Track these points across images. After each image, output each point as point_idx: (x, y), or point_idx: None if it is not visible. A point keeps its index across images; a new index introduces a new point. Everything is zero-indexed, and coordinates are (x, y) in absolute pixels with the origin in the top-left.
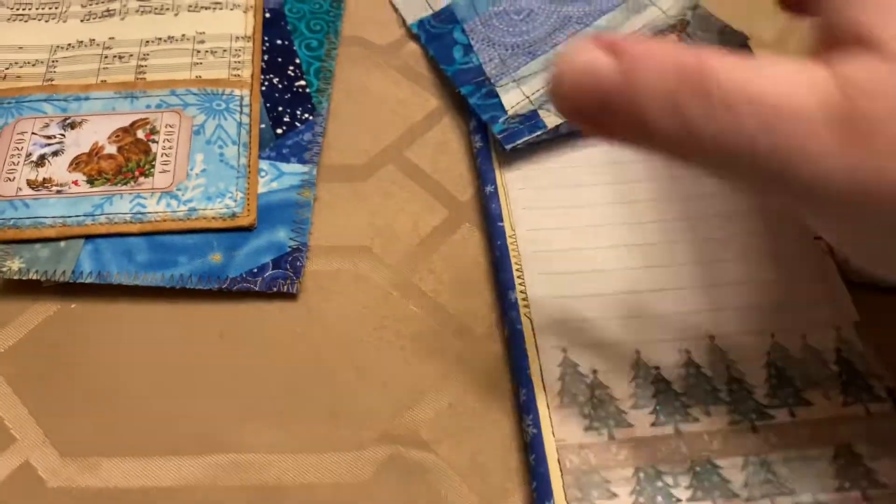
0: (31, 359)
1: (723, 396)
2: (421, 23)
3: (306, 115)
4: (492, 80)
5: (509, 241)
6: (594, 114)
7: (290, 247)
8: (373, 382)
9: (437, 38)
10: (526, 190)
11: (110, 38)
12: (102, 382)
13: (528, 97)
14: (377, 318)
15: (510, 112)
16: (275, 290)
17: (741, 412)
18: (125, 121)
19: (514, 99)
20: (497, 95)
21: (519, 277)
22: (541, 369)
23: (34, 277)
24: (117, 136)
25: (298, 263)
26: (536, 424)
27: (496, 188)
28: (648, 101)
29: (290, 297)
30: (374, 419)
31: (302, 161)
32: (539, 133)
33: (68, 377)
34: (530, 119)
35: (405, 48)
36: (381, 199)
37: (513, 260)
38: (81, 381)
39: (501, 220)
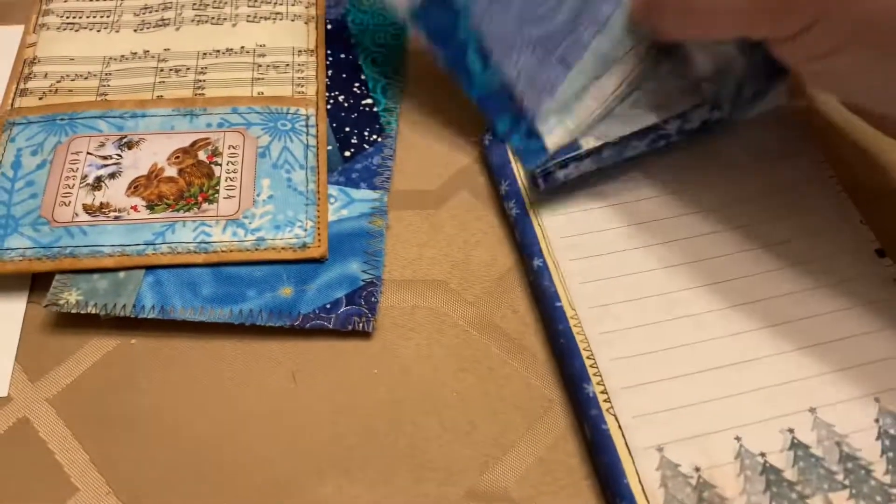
0: (90, 399)
1: (839, 479)
2: (416, 14)
3: (375, 137)
4: (527, 110)
5: (572, 323)
6: None
7: (363, 280)
8: (457, 432)
9: (442, 37)
10: (579, 261)
11: (165, 50)
12: (166, 426)
13: (571, 130)
14: (458, 359)
15: (551, 150)
16: (350, 328)
17: (864, 495)
18: (185, 141)
19: (558, 139)
20: (538, 134)
21: (592, 366)
22: (639, 478)
23: (92, 311)
24: (177, 157)
25: (373, 299)
26: None
27: (545, 262)
28: None
29: (364, 335)
30: (460, 474)
31: (372, 187)
32: (577, 157)
33: (130, 420)
34: (569, 149)
35: None
36: (455, 229)
37: (580, 346)
38: (144, 424)
39: (559, 300)
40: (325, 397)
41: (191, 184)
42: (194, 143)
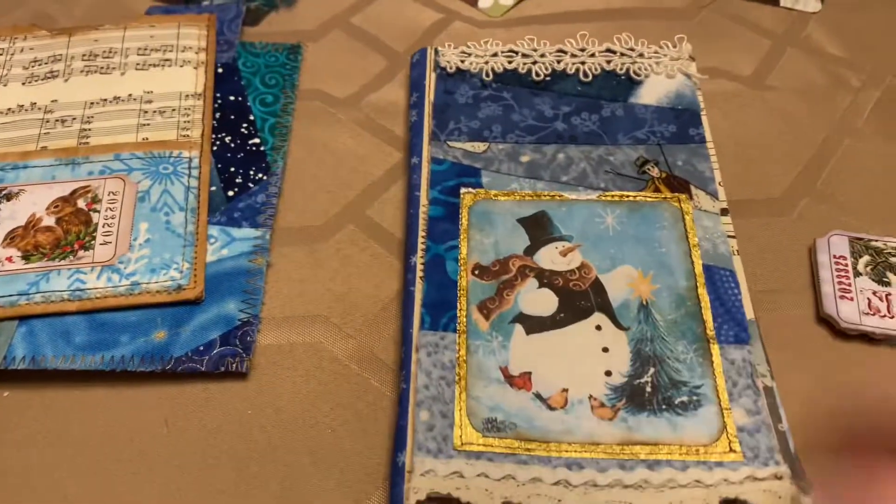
0: None
1: None
2: None
3: (260, 175)
4: None
5: (421, 210)
6: None
7: (240, 320)
8: (330, 470)
9: None
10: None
11: (53, 101)
12: (37, 480)
13: None
14: (335, 395)
15: None
16: (223, 369)
17: None
18: (65, 190)
19: None
20: None
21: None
22: None
23: None
24: (56, 206)
25: (249, 338)
26: None
27: (420, 160)
28: None
29: (240, 375)
30: None
31: (255, 225)
32: None
33: (0, 475)
34: None
35: (366, 99)
36: (340, 263)
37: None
38: (14, 478)
39: (418, 190)
40: (197, 442)
41: (68, 232)
42: (74, 191)
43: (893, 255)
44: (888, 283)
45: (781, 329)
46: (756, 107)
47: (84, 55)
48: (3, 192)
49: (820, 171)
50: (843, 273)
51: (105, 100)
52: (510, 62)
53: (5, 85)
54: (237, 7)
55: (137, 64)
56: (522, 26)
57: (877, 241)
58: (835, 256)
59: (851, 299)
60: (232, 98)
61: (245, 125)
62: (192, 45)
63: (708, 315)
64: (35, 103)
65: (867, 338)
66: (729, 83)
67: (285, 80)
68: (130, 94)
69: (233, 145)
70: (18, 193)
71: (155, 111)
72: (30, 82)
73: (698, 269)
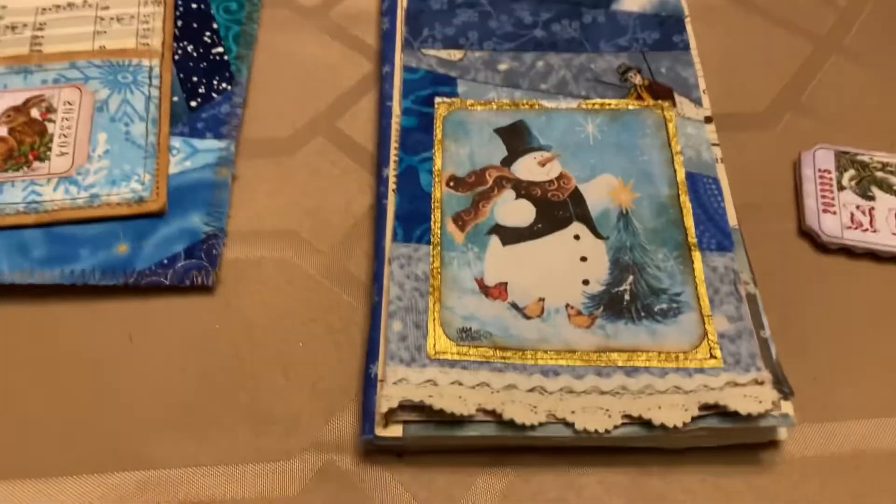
0: None
1: None
2: None
3: (224, 85)
4: None
5: (394, 120)
6: None
7: (205, 233)
8: (302, 384)
9: None
10: None
11: (2, 7)
12: None
13: None
14: (307, 310)
15: None
16: (188, 282)
17: None
18: (17, 99)
19: None
20: None
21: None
22: None
23: None
24: (8, 116)
25: (214, 252)
26: None
27: (393, 69)
28: None
29: (207, 290)
30: (303, 425)
31: (219, 136)
32: None
33: None
34: None
35: (336, 8)
36: (309, 176)
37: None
38: None
39: (391, 100)
40: (163, 356)
41: (21, 142)
42: (27, 101)
43: (879, 170)
44: (872, 198)
45: (763, 241)
46: (742, 20)
47: None
48: None
49: (805, 86)
50: (826, 187)
51: (58, 6)
52: None
53: None
54: None
55: None
56: None
57: (863, 154)
58: (819, 170)
59: (834, 213)
60: (194, 5)
61: (208, 33)
62: None
63: (690, 222)
64: None
65: (849, 251)
66: None
67: None
68: (86, 1)
69: (195, 54)
70: None
71: (112, 18)
72: None
73: (681, 176)
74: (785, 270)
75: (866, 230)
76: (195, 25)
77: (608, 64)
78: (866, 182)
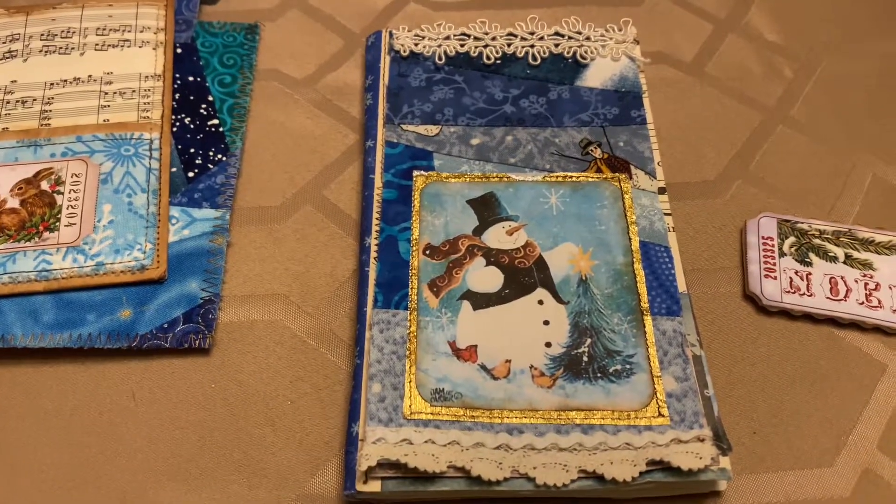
0: None
1: None
2: None
3: (219, 156)
4: None
5: (376, 192)
6: None
7: (202, 298)
8: (290, 439)
9: None
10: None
11: (12, 82)
12: (11, 453)
13: None
14: (294, 369)
15: None
16: (186, 345)
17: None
18: (28, 172)
19: None
20: None
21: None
22: None
23: None
24: (20, 188)
25: (210, 316)
26: None
27: (375, 143)
28: None
29: (204, 351)
30: (292, 479)
31: (215, 206)
32: None
33: None
34: None
35: (322, 81)
36: (298, 242)
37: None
38: None
39: (373, 173)
40: (163, 413)
41: (33, 214)
42: (38, 173)
43: (816, 237)
44: (809, 263)
45: (710, 304)
46: (695, 92)
47: (42, 34)
48: None
49: (753, 155)
50: (769, 253)
51: (65, 80)
52: (462, 45)
53: None
54: None
55: (96, 44)
56: (476, 10)
57: (802, 223)
58: (763, 237)
59: (775, 278)
60: (191, 78)
61: (204, 106)
62: (151, 25)
63: (643, 288)
64: None
65: (788, 314)
66: (670, 69)
67: (243, 61)
68: (90, 76)
69: (192, 126)
70: None
71: (115, 92)
72: None
73: (635, 245)
74: (729, 331)
75: (803, 294)
76: (192, 98)
77: (571, 138)
78: (804, 249)
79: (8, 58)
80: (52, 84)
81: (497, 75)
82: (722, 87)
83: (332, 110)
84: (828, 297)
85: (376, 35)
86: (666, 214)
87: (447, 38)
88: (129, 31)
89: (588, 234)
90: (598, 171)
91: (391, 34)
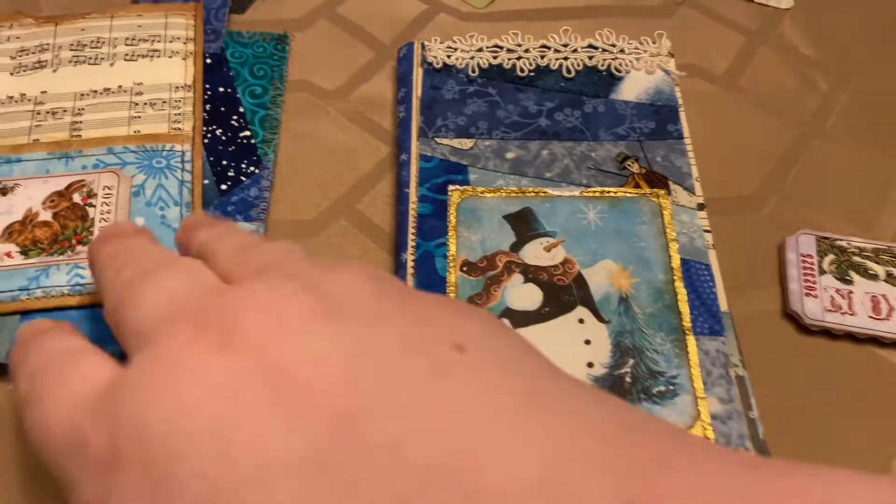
0: None
1: None
2: None
3: (252, 168)
4: None
5: (411, 207)
6: None
7: None
8: None
9: None
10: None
11: (42, 93)
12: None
13: None
14: None
15: None
16: None
17: None
18: (60, 184)
19: None
20: None
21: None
22: None
23: None
24: (52, 200)
25: None
26: None
27: (409, 156)
28: None
29: None
30: None
31: (249, 219)
32: None
33: (21, 466)
34: None
35: (354, 92)
36: (332, 257)
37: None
38: (17, 466)
39: (408, 187)
40: None
41: (65, 227)
42: (69, 185)
43: (856, 255)
44: (850, 282)
45: (750, 323)
46: (729, 106)
47: (72, 45)
48: None
49: (789, 171)
50: (809, 271)
51: (95, 91)
52: (495, 57)
53: None
54: None
55: (126, 54)
56: (506, 21)
57: (841, 240)
58: (802, 255)
59: (816, 297)
60: (221, 89)
61: (235, 117)
62: (181, 35)
63: (685, 308)
64: (24, 94)
65: (829, 333)
66: (703, 82)
67: (273, 71)
68: (120, 86)
69: (224, 138)
70: (14, 188)
71: (146, 103)
72: (18, 72)
73: (675, 263)
74: (770, 351)
75: (845, 313)
76: (223, 109)
77: (608, 152)
78: (844, 266)
79: (37, 68)
80: (82, 95)
81: (531, 88)
82: (756, 101)
83: (363, 122)
84: (870, 317)
85: (408, 46)
86: (706, 231)
87: (480, 49)
88: (158, 42)
89: (628, 252)
90: (636, 186)
91: (423, 45)
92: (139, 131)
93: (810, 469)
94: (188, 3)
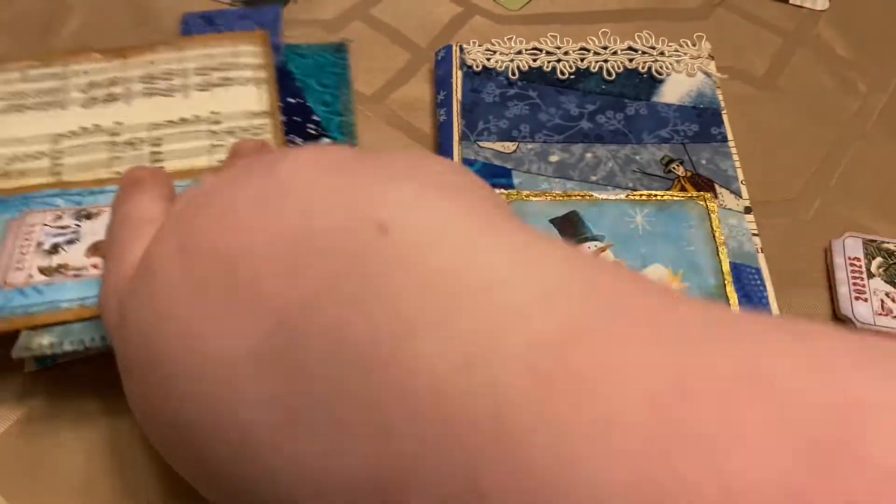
0: None
1: None
2: None
3: None
4: None
5: None
6: None
7: None
8: None
9: None
10: None
11: (117, 124)
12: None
13: None
14: None
15: None
16: None
17: None
18: None
19: None
20: None
21: None
22: None
23: (69, 349)
24: None
25: None
26: None
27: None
28: None
29: None
30: None
31: None
32: None
33: None
34: None
35: (391, 96)
36: None
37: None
38: None
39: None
40: None
41: None
42: None
43: None
44: None
45: None
46: (769, 108)
47: (142, 77)
48: (83, 213)
49: (832, 173)
50: (857, 274)
51: (171, 121)
52: (535, 60)
53: (64, 108)
54: (274, 9)
55: (199, 85)
56: (543, 24)
57: (888, 243)
58: (849, 258)
59: (866, 300)
60: (291, 100)
61: (311, 126)
62: (251, 63)
63: None
64: (99, 125)
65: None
66: (742, 84)
67: (340, 79)
68: (197, 116)
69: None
70: (98, 214)
71: (225, 132)
72: (90, 105)
73: (726, 267)
74: None
75: (895, 317)
76: (298, 120)
77: (652, 155)
78: (893, 270)
79: (110, 101)
80: (157, 125)
81: (571, 90)
82: (796, 103)
83: (403, 126)
84: None
85: (446, 49)
86: (754, 235)
87: (519, 52)
88: (230, 70)
89: (677, 256)
90: (682, 189)
91: (461, 48)
92: (222, 161)
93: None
94: (253, 31)
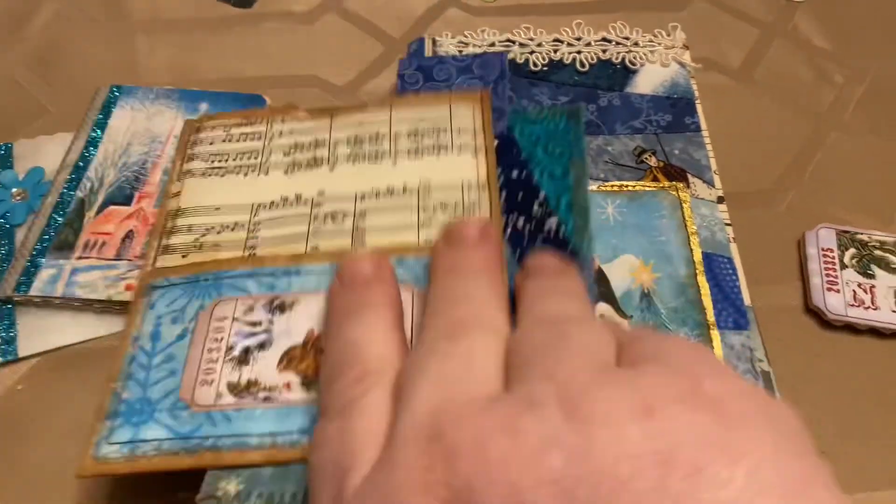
0: None
1: None
2: None
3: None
4: None
5: None
6: None
7: None
8: None
9: None
10: None
11: (319, 193)
12: None
13: None
14: None
15: None
16: None
17: None
18: None
19: None
20: None
21: None
22: None
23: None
24: None
25: None
26: None
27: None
28: None
29: None
30: None
31: None
32: None
33: None
34: None
35: (364, 87)
36: None
37: None
38: None
39: None
40: None
41: None
42: None
43: (877, 248)
44: (872, 276)
45: (772, 318)
46: (745, 99)
47: (349, 140)
48: (276, 303)
49: (807, 164)
50: (830, 265)
51: (378, 192)
52: (508, 52)
53: (266, 173)
54: (501, 62)
55: (409, 150)
56: (518, 16)
57: (861, 234)
58: (822, 249)
59: (838, 291)
60: (515, 173)
61: (537, 205)
62: (468, 127)
63: (708, 302)
64: (300, 195)
65: (852, 328)
66: (718, 75)
67: (573, 149)
68: (405, 186)
69: (527, 230)
70: (293, 304)
71: (435, 207)
72: (292, 171)
73: (697, 256)
74: (793, 346)
75: (868, 308)
76: (520, 196)
77: (624, 146)
78: (866, 260)
79: (313, 165)
80: (363, 196)
81: (545, 82)
82: (772, 94)
83: None
84: (893, 311)
85: (419, 42)
86: (727, 224)
87: (492, 44)
88: (444, 135)
89: (648, 246)
90: (655, 179)
91: (434, 41)
92: (430, 241)
93: None
94: (474, 91)
